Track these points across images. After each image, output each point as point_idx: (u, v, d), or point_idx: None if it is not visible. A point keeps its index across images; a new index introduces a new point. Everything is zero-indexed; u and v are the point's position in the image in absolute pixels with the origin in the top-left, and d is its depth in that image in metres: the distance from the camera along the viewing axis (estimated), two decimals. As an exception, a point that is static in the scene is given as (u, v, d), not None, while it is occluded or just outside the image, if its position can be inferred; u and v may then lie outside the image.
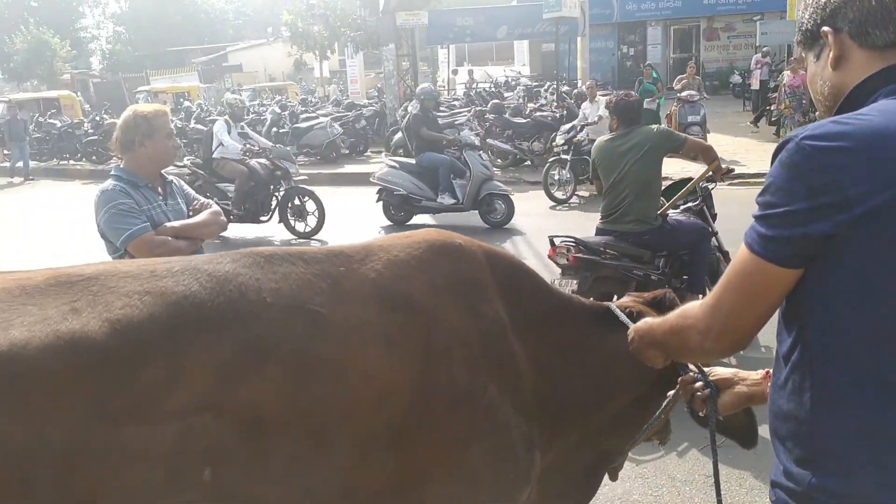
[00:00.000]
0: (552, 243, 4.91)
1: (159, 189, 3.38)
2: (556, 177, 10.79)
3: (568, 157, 10.70)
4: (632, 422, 2.06)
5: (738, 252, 1.28)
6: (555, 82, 18.16)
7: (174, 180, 3.54)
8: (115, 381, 1.33)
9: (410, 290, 1.68)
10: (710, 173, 5.07)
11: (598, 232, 5.02)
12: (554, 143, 11.44)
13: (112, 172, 3.36)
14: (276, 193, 9.48)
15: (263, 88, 29.77)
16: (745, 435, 1.96)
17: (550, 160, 11.00)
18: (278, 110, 18.00)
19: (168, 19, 48.43)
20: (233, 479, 1.41)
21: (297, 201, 9.41)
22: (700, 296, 4.68)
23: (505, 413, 1.75)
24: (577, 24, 19.67)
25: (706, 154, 5.04)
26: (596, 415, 2.03)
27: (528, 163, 13.61)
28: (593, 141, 11.31)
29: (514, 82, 23.81)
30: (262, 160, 9.28)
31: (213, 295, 1.47)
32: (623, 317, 2.02)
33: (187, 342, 1.40)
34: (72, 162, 19.64)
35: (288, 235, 9.50)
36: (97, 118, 20.74)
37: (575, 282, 4.67)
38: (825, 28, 1.30)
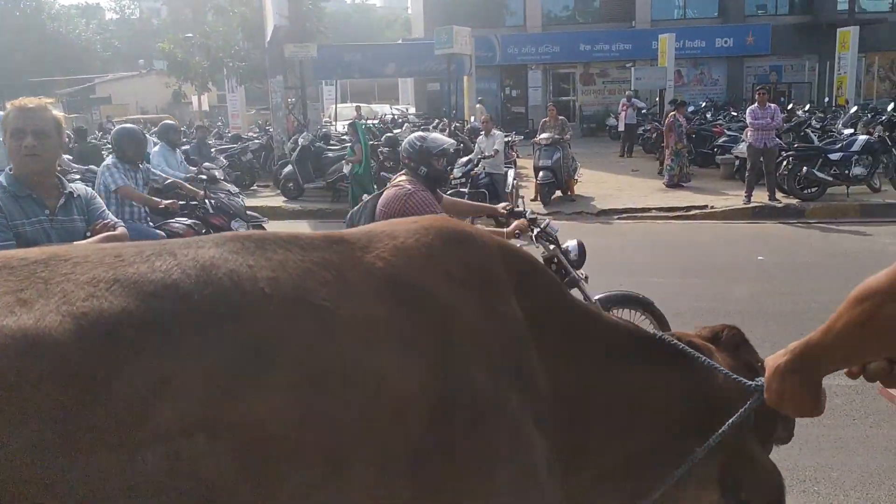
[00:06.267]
0: None
1: (48, 202, 2.92)
2: (456, 209, 10.73)
3: (466, 190, 10.88)
4: (662, 463, 1.77)
5: None
6: (444, 119, 18.19)
7: (81, 193, 3.08)
8: (81, 393, 1.01)
9: (424, 282, 1.44)
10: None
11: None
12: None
13: None
14: None
15: (137, 121, 28.34)
16: None
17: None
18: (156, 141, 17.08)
19: (29, 48, 45.26)
20: None
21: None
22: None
23: (529, 432, 1.50)
24: (465, 63, 19.99)
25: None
26: (614, 451, 1.77)
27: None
28: (490, 174, 11.62)
29: (401, 119, 23.82)
30: None
31: (200, 284, 1.16)
32: (687, 347, 1.80)
33: (171, 343, 1.09)
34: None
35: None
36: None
37: None
38: None
